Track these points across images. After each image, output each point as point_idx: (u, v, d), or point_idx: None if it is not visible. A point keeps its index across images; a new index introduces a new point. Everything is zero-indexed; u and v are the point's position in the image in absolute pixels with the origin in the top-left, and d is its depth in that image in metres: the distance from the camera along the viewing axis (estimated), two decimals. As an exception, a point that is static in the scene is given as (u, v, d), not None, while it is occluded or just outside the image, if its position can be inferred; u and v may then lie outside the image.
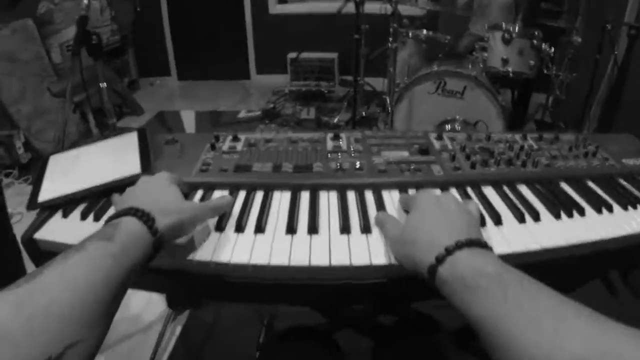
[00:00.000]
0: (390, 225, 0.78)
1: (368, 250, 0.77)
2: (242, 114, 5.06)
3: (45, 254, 0.84)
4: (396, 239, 0.74)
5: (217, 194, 0.95)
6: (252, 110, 5.11)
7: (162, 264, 0.75)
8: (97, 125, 4.03)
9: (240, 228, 0.83)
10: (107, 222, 0.68)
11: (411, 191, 0.94)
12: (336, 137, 1.12)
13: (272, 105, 5.07)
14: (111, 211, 0.83)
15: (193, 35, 6.19)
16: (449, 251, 0.62)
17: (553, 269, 0.80)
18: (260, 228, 0.83)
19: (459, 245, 0.63)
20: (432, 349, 1.19)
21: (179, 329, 2.09)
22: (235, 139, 1.12)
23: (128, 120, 4.93)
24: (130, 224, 0.66)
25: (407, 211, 0.82)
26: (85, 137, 3.94)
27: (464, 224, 0.70)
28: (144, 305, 2.21)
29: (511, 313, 0.52)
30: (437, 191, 0.91)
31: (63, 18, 4.01)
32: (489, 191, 0.96)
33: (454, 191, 0.95)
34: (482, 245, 0.64)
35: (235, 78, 6.47)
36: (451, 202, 0.75)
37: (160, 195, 0.77)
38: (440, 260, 0.62)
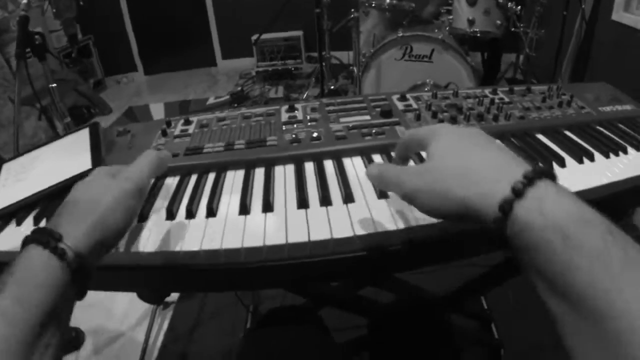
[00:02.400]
0: (396, 171, 0.58)
1: (329, 224, 0.69)
2: (211, 101, 5.04)
3: (2, 265, 0.75)
4: (424, 180, 0.53)
5: (169, 180, 0.88)
6: (220, 96, 5.09)
7: (111, 261, 0.68)
8: (66, 129, 3.91)
9: (190, 214, 0.76)
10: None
11: (375, 157, 0.87)
12: (291, 108, 1.05)
13: (240, 89, 5.01)
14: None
15: (155, 28, 6.15)
16: (529, 179, 0.44)
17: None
18: (211, 211, 0.75)
19: (538, 172, 0.45)
20: (427, 317, 1.15)
21: (166, 324, 2.08)
22: (187, 122, 1.05)
23: (97, 120, 4.77)
24: (30, 256, 0.51)
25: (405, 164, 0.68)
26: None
27: (508, 151, 0.53)
28: (129, 303, 2.18)
29: (636, 285, 0.35)
30: None
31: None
32: (460, 148, 0.89)
33: (423, 153, 0.87)
34: (555, 177, 0.46)
35: (202, 66, 6.44)
36: (476, 130, 0.58)
37: (81, 195, 0.61)
38: (518, 192, 0.43)
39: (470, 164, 0.50)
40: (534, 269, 0.42)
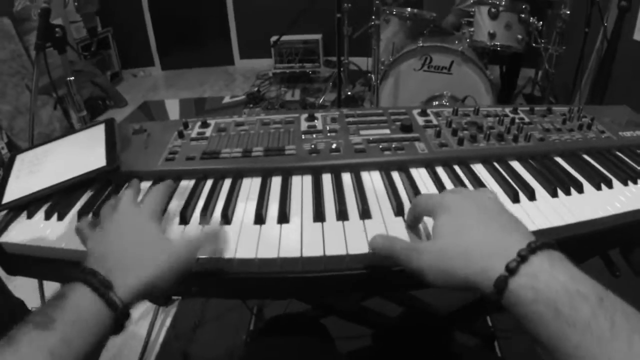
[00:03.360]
0: (403, 246, 0.60)
1: (344, 239, 0.69)
2: (227, 100, 5.04)
3: (13, 257, 0.77)
4: (430, 260, 0.56)
5: (184, 183, 0.87)
6: (236, 95, 5.09)
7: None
8: (81, 122, 3.93)
9: (205, 220, 0.75)
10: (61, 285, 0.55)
11: (394, 174, 0.87)
12: (311, 117, 1.05)
13: (256, 89, 5.02)
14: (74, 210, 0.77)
15: (175, 23, 6.17)
16: (522, 257, 0.47)
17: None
18: (226, 219, 0.75)
19: (532, 249, 0.48)
20: (432, 334, 1.14)
21: (169, 320, 2.08)
22: (205, 124, 1.05)
23: (111, 113, 4.84)
24: (81, 297, 0.52)
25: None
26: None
27: (512, 222, 0.56)
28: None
29: (620, 355, 0.39)
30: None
31: (41, 14, 3.89)
32: (479, 168, 0.89)
33: (440, 170, 0.88)
34: (552, 245, 0.50)
35: (219, 64, 6.45)
36: (485, 198, 0.61)
37: (130, 240, 0.62)
38: (512, 270, 0.47)
39: (471, 243, 0.54)
40: (530, 334, 0.46)
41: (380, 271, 0.67)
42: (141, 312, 2.10)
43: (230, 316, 2.06)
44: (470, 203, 0.60)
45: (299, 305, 1.28)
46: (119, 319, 0.54)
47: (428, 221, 0.66)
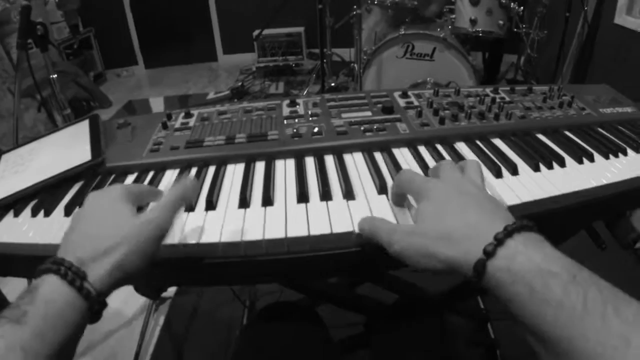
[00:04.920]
0: (387, 229, 0.61)
1: (328, 219, 0.69)
2: (211, 96, 5.03)
3: (2, 257, 0.76)
4: (413, 243, 0.57)
5: (169, 173, 0.88)
6: (220, 91, 5.08)
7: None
8: (65, 121, 3.90)
9: (190, 207, 0.75)
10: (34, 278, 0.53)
11: (377, 154, 0.87)
12: (293, 103, 1.05)
13: (240, 84, 5.01)
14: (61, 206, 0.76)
15: (157, 21, 6.12)
16: (499, 240, 0.49)
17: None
18: (211, 204, 0.75)
19: (509, 232, 0.50)
20: (424, 317, 1.15)
21: (162, 319, 2.07)
22: (188, 115, 1.05)
23: (96, 113, 4.77)
24: (52, 289, 0.50)
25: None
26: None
27: (492, 203, 0.58)
28: (124, 299, 2.17)
29: (594, 330, 0.40)
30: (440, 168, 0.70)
31: (21, 16, 3.84)
32: (461, 146, 0.90)
33: (422, 149, 0.88)
34: (531, 227, 0.51)
35: (203, 60, 6.43)
36: (466, 182, 0.62)
37: (99, 223, 0.59)
38: (489, 253, 0.49)
39: (451, 227, 0.55)
40: (510, 314, 0.48)
41: (367, 250, 0.67)
42: (134, 312, 2.11)
43: (223, 312, 2.06)
44: (452, 188, 0.61)
45: (292, 296, 1.28)
46: (93, 307, 0.53)
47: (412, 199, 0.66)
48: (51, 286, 0.50)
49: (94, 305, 0.52)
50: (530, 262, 0.46)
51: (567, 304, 0.42)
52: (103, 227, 0.58)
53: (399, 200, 0.70)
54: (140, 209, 0.69)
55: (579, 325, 0.41)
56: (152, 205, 0.70)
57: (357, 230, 0.66)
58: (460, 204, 0.58)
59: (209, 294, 2.16)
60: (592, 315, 0.41)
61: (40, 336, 0.47)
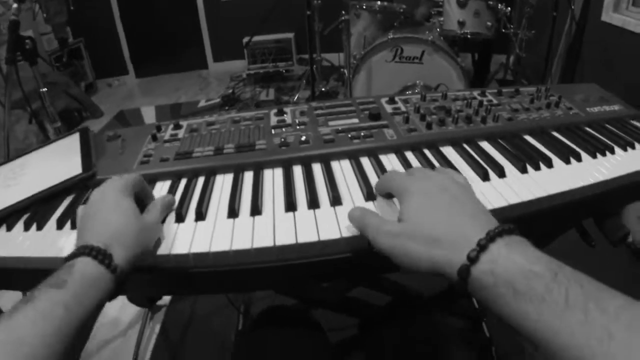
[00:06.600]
0: (375, 223, 0.62)
1: (316, 226, 0.69)
2: (202, 104, 5.04)
3: None
4: (397, 242, 0.58)
5: (159, 185, 0.88)
6: (212, 99, 5.09)
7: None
8: (57, 133, 3.90)
9: (180, 218, 0.76)
10: (64, 261, 0.60)
11: (364, 160, 0.87)
12: (280, 112, 1.05)
13: (231, 91, 5.02)
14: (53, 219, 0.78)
15: (147, 30, 6.15)
16: (482, 246, 0.50)
17: (524, 225, 0.73)
18: (200, 215, 0.75)
19: (491, 237, 0.50)
20: (418, 318, 1.15)
21: (158, 327, 2.07)
22: (177, 126, 1.05)
23: (88, 123, 4.80)
24: (85, 266, 0.58)
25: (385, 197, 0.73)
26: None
27: (475, 205, 0.59)
28: (121, 308, 2.18)
29: (578, 325, 0.41)
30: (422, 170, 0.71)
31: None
32: (449, 151, 0.90)
33: (410, 154, 0.89)
34: (512, 230, 0.52)
35: (194, 68, 6.45)
36: (449, 183, 0.62)
37: (115, 219, 0.67)
38: (473, 259, 0.50)
39: (433, 230, 0.56)
40: (496, 316, 0.49)
41: (356, 255, 0.68)
42: (130, 320, 2.11)
43: (217, 317, 2.07)
44: (435, 189, 0.61)
45: (285, 301, 1.28)
46: (118, 282, 0.60)
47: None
48: (85, 264, 0.58)
49: (121, 277, 0.61)
50: (513, 265, 0.48)
51: (549, 301, 0.43)
52: (121, 223, 0.67)
53: (385, 204, 0.71)
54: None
55: (562, 321, 0.42)
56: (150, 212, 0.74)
57: (345, 235, 0.67)
58: (443, 206, 0.59)
59: (203, 301, 2.17)
60: (573, 310, 0.42)
61: (78, 298, 0.54)
